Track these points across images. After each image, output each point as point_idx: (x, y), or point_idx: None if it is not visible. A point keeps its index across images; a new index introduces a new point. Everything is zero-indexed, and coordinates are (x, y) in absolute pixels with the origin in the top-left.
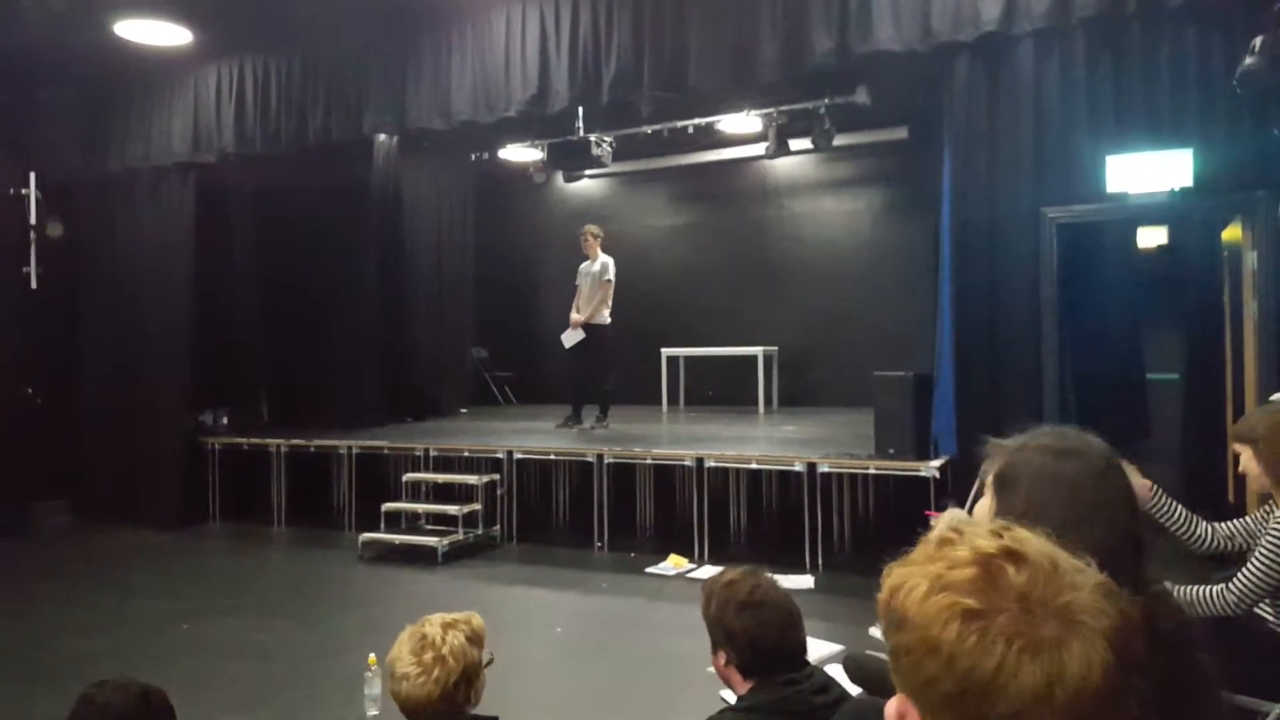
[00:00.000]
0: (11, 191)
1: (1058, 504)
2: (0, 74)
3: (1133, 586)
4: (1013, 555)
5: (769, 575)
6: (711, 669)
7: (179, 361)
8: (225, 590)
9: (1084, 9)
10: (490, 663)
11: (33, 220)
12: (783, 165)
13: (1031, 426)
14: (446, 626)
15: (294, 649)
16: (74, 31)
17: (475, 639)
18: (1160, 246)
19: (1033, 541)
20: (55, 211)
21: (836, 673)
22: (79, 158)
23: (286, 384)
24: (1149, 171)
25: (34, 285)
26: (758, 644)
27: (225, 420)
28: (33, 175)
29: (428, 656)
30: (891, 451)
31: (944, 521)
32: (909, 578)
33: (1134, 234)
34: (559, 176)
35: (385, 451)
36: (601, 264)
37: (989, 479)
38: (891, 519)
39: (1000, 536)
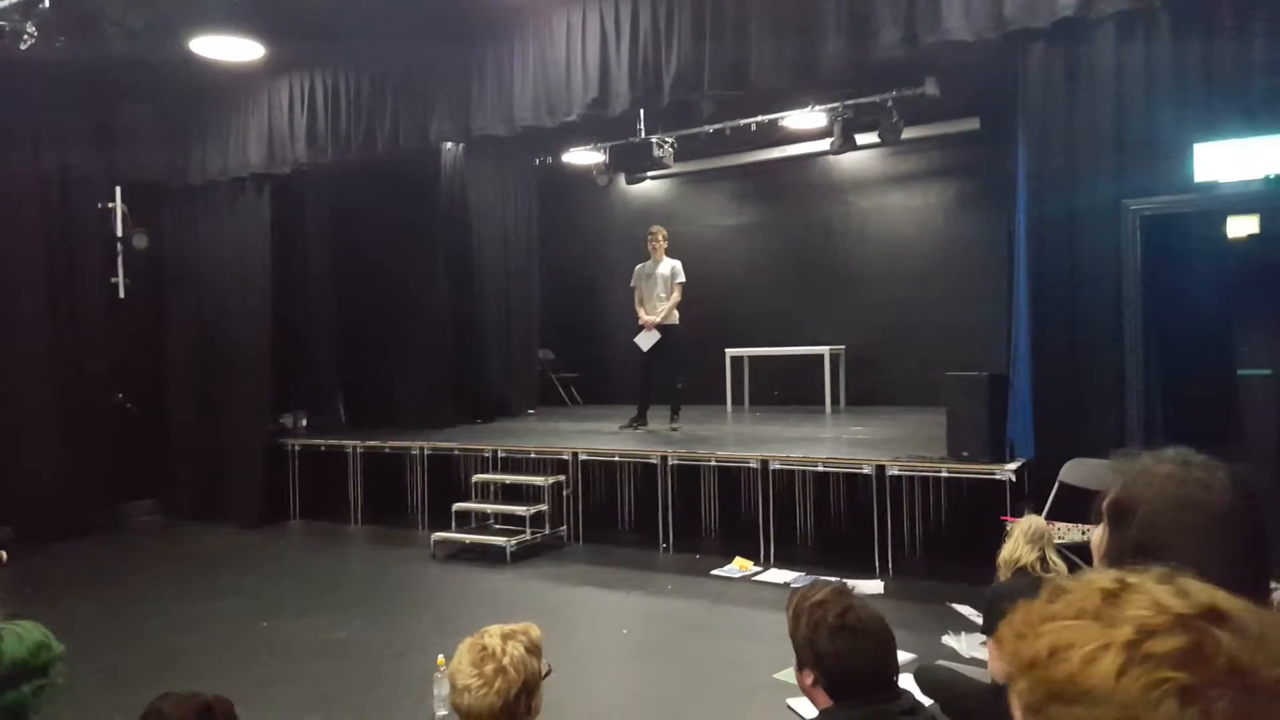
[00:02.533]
0: (99, 205)
1: (1178, 541)
2: (85, 92)
3: None
4: (1217, 615)
5: (859, 594)
6: (779, 676)
7: (259, 366)
8: (303, 588)
9: None
10: (549, 674)
11: (119, 232)
12: (848, 160)
13: (1145, 443)
14: (506, 637)
15: (367, 648)
16: (152, 49)
17: (534, 650)
18: (1252, 236)
19: (1223, 595)
20: (140, 223)
21: (907, 683)
22: (161, 171)
23: (362, 387)
24: (1241, 159)
25: (122, 295)
26: (851, 670)
27: (304, 422)
28: (118, 189)
29: (489, 668)
30: (965, 454)
31: (1021, 529)
32: (1082, 640)
33: (1223, 224)
34: (621, 178)
35: (455, 452)
36: (671, 266)
37: (1104, 505)
38: (965, 524)
39: (1184, 589)
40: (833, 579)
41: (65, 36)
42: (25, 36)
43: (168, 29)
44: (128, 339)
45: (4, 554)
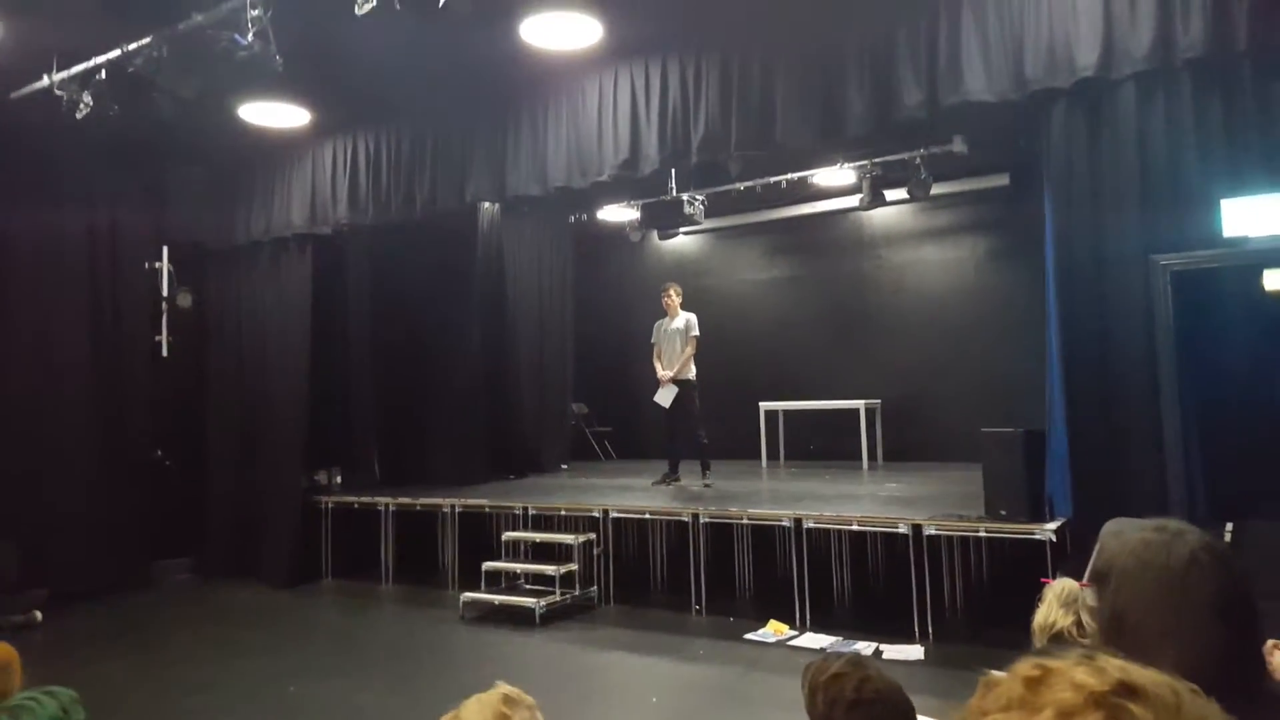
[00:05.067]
0: (146, 265)
1: (1141, 603)
2: (135, 155)
3: (1241, 700)
4: (1130, 690)
5: (875, 664)
6: None
7: (296, 423)
8: (330, 649)
9: (1189, 50)
10: None
11: (165, 291)
12: (879, 215)
13: (1187, 501)
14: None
15: (390, 713)
16: (202, 115)
17: None
18: None
19: (1137, 670)
20: (185, 283)
21: None
22: (207, 231)
23: (397, 442)
24: (1270, 214)
25: (165, 353)
26: None
27: (339, 479)
28: (165, 249)
29: None
30: (1003, 513)
31: (1053, 593)
32: None
33: (1258, 278)
34: (654, 234)
35: (486, 509)
36: (686, 320)
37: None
38: (1006, 585)
39: (1100, 667)
40: (863, 646)
41: (119, 105)
42: (82, 105)
43: (217, 97)
44: (169, 396)
45: (39, 614)
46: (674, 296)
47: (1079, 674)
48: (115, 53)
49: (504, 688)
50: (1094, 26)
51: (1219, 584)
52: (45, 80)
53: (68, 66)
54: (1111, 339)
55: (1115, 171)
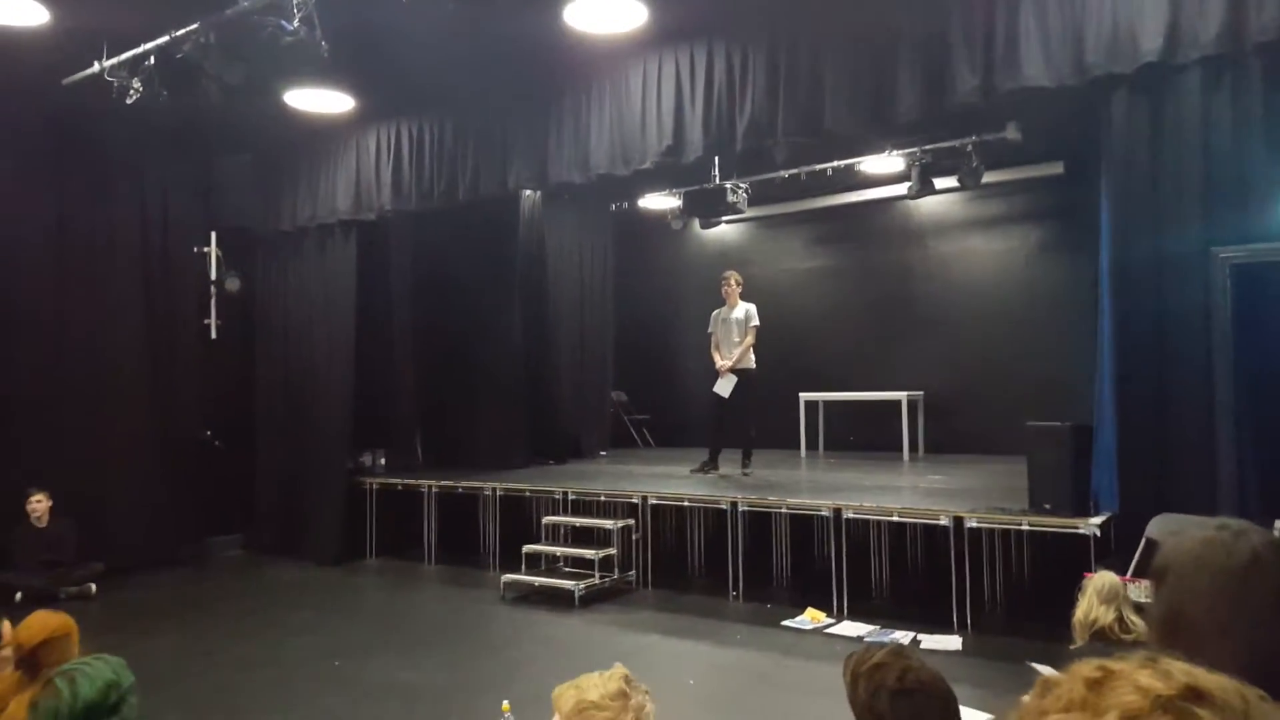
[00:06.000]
0: (195, 250)
1: (1202, 601)
2: (184, 143)
3: None
4: (1197, 695)
5: (918, 654)
6: None
7: (341, 405)
8: (376, 627)
9: (1262, 33)
10: None
11: (213, 276)
12: (927, 204)
13: (1238, 499)
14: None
15: (435, 690)
16: (249, 102)
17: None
18: None
19: (1204, 674)
20: (233, 267)
21: None
22: (255, 217)
23: (440, 426)
24: None
25: (214, 336)
26: None
27: (383, 461)
28: (214, 235)
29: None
30: (1047, 507)
31: (1093, 587)
32: None
33: None
34: (696, 223)
35: (526, 493)
36: (745, 311)
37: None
38: (1048, 579)
39: (1165, 670)
40: (900, 635)
41: (168, 91)
42: (132, 91)
43: (264, 83)
44: (218, 378)
45: (93, 586)
46: (734, 285)
47: (1144, 677)
48: (164, 39)
49: (622, 669)
50: (1159, 9)
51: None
52: (96, 66)
53: (118, 53)
54: (1167, 333)
55: (1176, 161)
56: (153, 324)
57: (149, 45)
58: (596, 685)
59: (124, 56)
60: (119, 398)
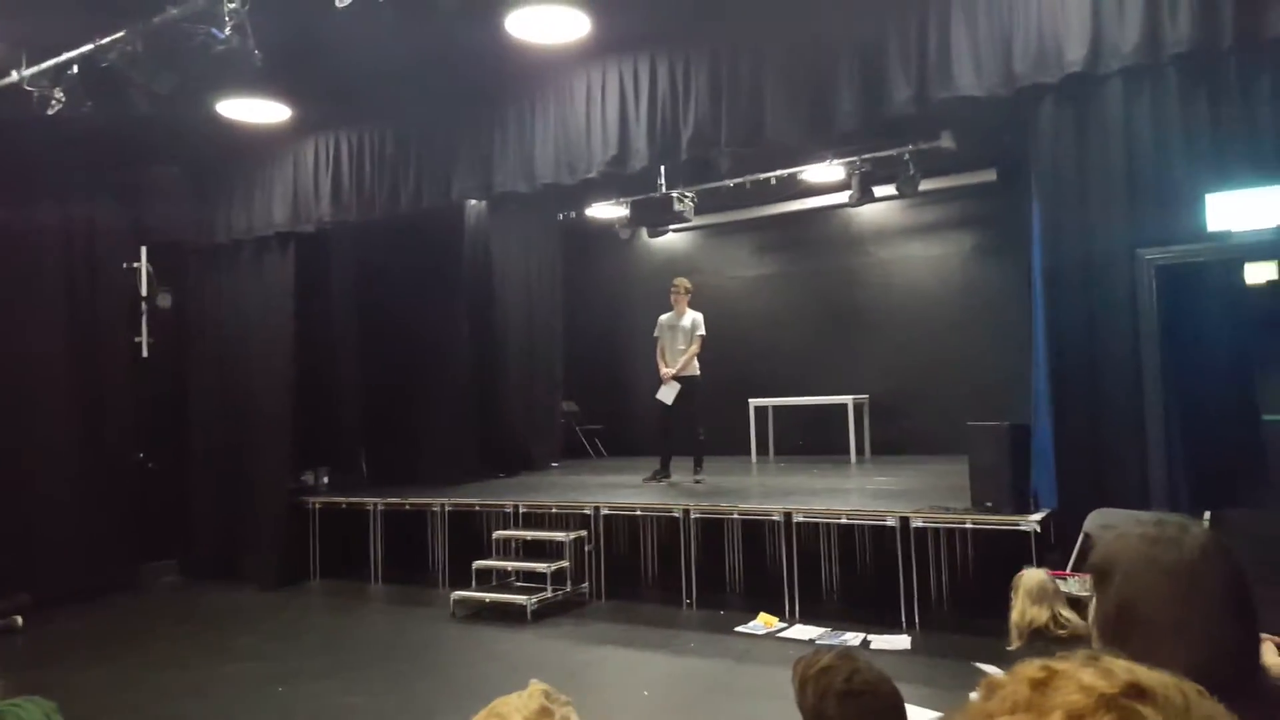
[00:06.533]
0: (125, 265)
1: (1153, 598)
2: (113, 154)
3: (1244, 696)
4: (1139, 692)
5: (865, 656)
6: None
7: (281, 424)
8: (319, 651)
9: (1176, 45)
10: None
11: (144, 292)
12: (868, 212)
13: (1169, 492)
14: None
15: (383, 713)
16: (179, 112)
17: None
18: (1271, 282)
19: (1145, 671)
20: (165, 283)
21: None
22: (187, 230)
23: (385, 441)
24: (1253, 208)
25: (145, 354)
26: None
27: (326, 480)
28: (144, 249)
29: None
30: (989, 505)
31: (1024, 588)
32: None
33: (1240, 271)
34: (644, 232)
35: (476, 508)
36: (693, 319)
37: (1088, 570)
38: (992, 576)
39: (1107, 669)
40: (851, 637)
41: (93, 101)
42: (53, 101)
43: (195, 93)
44: (150, 398)
45: (19, 619)
46: (683, 293)
47: (1087, 676)
48: (88, 47)
49: (540, 685)
50: (1082, 21)
51: (1229, 578)
52: (14, 75)
53: (38, 61)
54: (1097, 333)
55: (1101, 166)
56: (79, 342)
57: (72, 54)
58: (517, 708)
59: (44, 65)
60: (44, 420)
